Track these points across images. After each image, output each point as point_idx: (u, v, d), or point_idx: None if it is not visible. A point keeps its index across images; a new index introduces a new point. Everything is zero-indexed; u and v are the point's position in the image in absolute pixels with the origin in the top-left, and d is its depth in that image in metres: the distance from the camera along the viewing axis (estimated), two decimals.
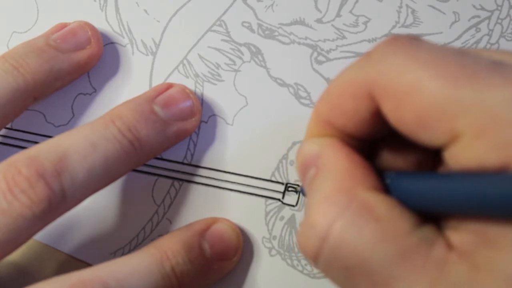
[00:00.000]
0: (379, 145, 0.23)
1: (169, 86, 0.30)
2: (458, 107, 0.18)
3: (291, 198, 0.31)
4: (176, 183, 0.31)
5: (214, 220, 0.30)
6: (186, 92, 0.30)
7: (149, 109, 0.28)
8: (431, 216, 0.20)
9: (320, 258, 0.20)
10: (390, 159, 0.23)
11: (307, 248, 0.20)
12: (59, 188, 0.25)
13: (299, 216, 0.31)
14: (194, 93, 0.31)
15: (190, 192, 0.31)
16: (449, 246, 0.19)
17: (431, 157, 0.22)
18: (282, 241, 0.31)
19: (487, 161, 0.17)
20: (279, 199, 0.31)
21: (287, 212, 0.31)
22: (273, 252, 0.31)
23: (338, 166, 0.21)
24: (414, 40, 0.20)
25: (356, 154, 0.21)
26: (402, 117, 0.19)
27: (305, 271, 0.30)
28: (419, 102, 0.18)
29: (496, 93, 0.17)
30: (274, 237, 0.31)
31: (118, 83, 0.32)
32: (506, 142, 0.17)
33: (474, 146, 0.17)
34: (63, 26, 0.31)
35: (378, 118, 0.21)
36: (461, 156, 0.18)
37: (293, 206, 0.31)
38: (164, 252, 0.27)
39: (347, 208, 0.19)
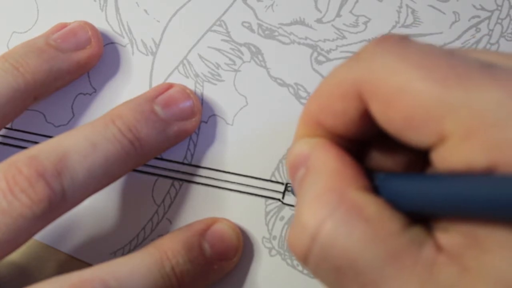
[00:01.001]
0: (369, 146, 0.23)
1: (169, 86, 0.30)
2: (447, 108, 0.18)
3: (291, 198, 0.31)
4: (176, 183, 0.31)
5: (214, 220, 0.30)
6: (186, 92, 0.30)
7: (149, 109, 0.28)
8: (421, 217, 0.20)
9: (309, 258, 0.20)
10: (379, 159, 0.23)
11: (297, 248, 0.20)
12: (59, 187, 0.25)
13: None
14: (194, 93, 0.31)
15: (190, 192, 0.31)
16: (439, 247, 0.19)
17: (420, 158, 0.22)
18: (282, 241, 0.31)
19: (475, 162, 0.17)
20: (279, 199, 0.31)
21: (287, 212, 0.31)
22: (273, 252, 0.31)
23: (328, 166, 0.21)
24: (403, 40, 0.20)
25: (346, 155, 0.21)
26: (390, 117, 0.19)
27: (305, 271, 0.30)
28: (408, 102, 0.18)
29: (485, 95, 0.17)
30: (274, 237, 0.31)
31: (118, 83, 0.32)
32: (494, 143, 0.17)
33: (461, 147, 0.17)
34: (63, 26, 0.31)
35: (367, 119, 0.21)
36: (449, 157, 0.18)
37: (292, 206, 0.31)
38: (164, 252, 0.27)
39: (337, 208, 0.19)
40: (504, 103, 0.17)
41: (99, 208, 0.31)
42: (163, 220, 0.31)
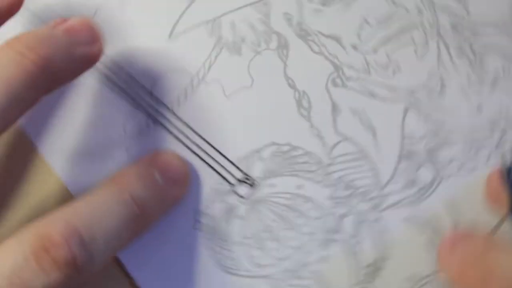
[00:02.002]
0: None
1: (66, 19, 0.28)
2: None
3: (242, 189, 0.31)
4: (150, 122, 0.31)
5: (161, 151, 0.30)
6: (86, 21, 0.28)
7: (49, 33, 0.26)
8: None
9: None
10: None
11: None
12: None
13: (242, 209, 0.30)
14: (94, 23, 0.28)
15: (159, 136, 0.31)
16: None
17: None
18: (212, 222, 0.30)
19: None
20: (231, 183, 0.30)
21: (232, 199, 0.30)
22: (197, 225, 0.30)
23: None
24: None
25: None
26: None
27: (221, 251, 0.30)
28: None
29: None
30: (207, 215, 0.30)
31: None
32: None
33: None
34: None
35: None
36: None
37: (241, 197, 0.30)
38: (120, 183, 0.28)
39: None
40: None
41: None
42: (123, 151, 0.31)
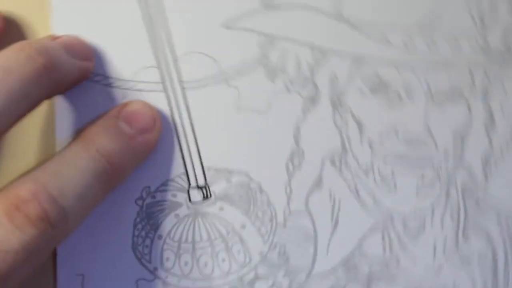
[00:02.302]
0: None
1: (59, 36, 0.30)
2: None
3: (195, 195, 0.30)
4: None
5: (126, 102, 0.30)
6: (79, 38, 0.30)
7: (53, 43, 0.28)
8: None
9: None
10: None
11: None
12: None
13: (183, 211, 0.30)
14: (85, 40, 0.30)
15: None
16: None
17: None
18: (152, 206, 0.30)
19: None
20: (190, 183, 0.30)
21: (181, 197, 0.30)
22: (139, 201, 0.30)
23: None
24: None
25: None
26: None
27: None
28: None
29: None
30: (153, 197, 0.30)
31: None
32: None
33: None
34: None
35: None
36: None
37: (189, 201, 0.30)
38: (87, 139, 0.28)
39: None
40: None
41: None
42: None
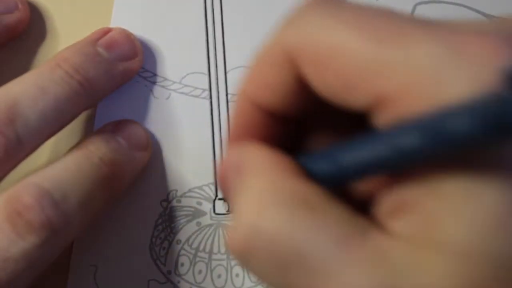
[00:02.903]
0: (310, 129, 0.22)
1: (109, 29, 0.30)
2: (383, 67, 0.17)
3: (220, 207, 0.30)
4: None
5: (121, 120, 0.30)
6: (126, 34, 0.30)
7: (93, 51, 0.28)
8: (366, 204, 0.19)
9: (252, 255, 0.18)
10: (322, 142, 0.21)
11: (237, 247, 0.18)
12: (14, 135, 0.25)
13: (206, 220, 0.30)
14: (134, 35, 0.30)
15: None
16: (386, 230, 0.17)
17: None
18: (176, 209, 0.30)
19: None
20: (217, 195, 0.30)
21: (206, 206, 0.30)
22: (164, 203, 0.30)
23: (262, 163, 0.19)
24: (336, 0, 0.19)
25: (276, 149, 0.20)
26: (326, 81, 0.18)
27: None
28: (343, 63, 0.17)
29: (422, 51, 0.16)
30: (178, 201, 0.30)
31: None
32: (432, 99, 0.16)
33: (400, 104, 0.16)
34: None
35: (303, 88, 0.19)
36: (386, 118, 0.17)
37: (214, 211, 0.30)
38: (88, 148, 0.27)
39: (279, 200, 0.18)
40: (443, 57, 0.16)
41: None
42: None
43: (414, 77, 0.16)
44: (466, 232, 0.15)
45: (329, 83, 0.18)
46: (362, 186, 0.20)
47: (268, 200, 0.18)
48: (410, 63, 0.16)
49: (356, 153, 0.18)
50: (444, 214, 0.16)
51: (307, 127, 0.21)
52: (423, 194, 0.16)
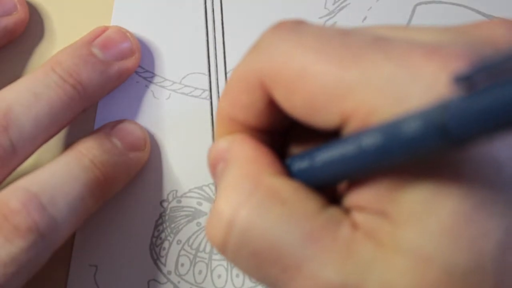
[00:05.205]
0: (289, 137, 0.23)
1: (105, 28, 0.30)
2: (345, 88, 0.18)
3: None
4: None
5: (118, 121, 0.30)
6: (122, 32, 0.30)
7: (87, 52, 0.28)
8: (336, 197, 0.20)
9: (228, 246, 0.19)
10: (299, 148, 0.23)
11: (215, 237, 0.20)
12: (8, 142, 0.25)
13: (205, 220, 0.30)
14: (130, 32, 0.30)
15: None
16: (355, 225, 0.18)
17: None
18: (176, 209, 0.30)
19: None
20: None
21: (207, 207, 0.30)
22: (164, 203, 0.30)
23: (244, 156, 0.21)
24: (298, 25, 0.20)
25: (262, 145, 0.21)
26: (294, 103, 0.19)
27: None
28: (308, 86, 0.18)
29: (378, 70, 0.17)
30: (179, 201, 0.30)
31: None
32: (393, 113, 0.17)
33: (364, 124, 0.17)
34: None
35: (274, 108, 0.21)
36: (355, 128, 0.18)
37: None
38: (79, 150, 0.27)
39: (253, 193, 0.19)
40: (396, 76, 0.17)
41: None
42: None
43: (375, 97, 0.17)
44: (424, 239, 0.17)
45: (298, 106, 0.19)
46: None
47: (242, 195, 0.19)
48: (370, 83, 0.17)
49: (328, 152, 0.19)
50: (405, 220, 0.17)
51: (292, 137, 0.23)
52: (387, 200, 0.18)
